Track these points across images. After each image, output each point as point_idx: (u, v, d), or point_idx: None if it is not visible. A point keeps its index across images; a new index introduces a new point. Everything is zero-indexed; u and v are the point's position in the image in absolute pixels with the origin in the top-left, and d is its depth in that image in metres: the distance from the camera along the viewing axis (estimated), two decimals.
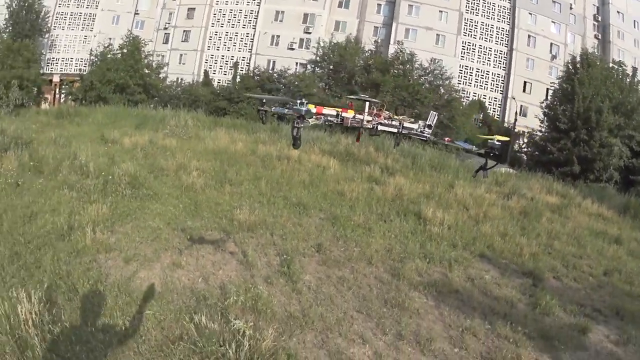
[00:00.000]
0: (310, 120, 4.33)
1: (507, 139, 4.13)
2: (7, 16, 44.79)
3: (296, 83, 37.54)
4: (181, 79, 44.86)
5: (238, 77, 42.84)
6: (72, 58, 49.92)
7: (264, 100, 5.36)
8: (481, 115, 42.54)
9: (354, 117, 4.54)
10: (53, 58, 49.90)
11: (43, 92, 41.63)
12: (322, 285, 7.01)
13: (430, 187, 12.52)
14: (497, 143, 3.84)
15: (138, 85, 36.01)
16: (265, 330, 5.39)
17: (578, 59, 31.46)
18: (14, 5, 45.48)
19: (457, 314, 6.41)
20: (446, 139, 4.53)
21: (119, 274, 6.64)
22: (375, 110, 4.61)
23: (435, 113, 4.52)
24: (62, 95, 45.09)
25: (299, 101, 4.14)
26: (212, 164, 13.01)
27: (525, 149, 35.58)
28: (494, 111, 46.43)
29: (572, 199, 14.79)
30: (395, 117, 4.58)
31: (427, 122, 4.46)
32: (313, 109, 4.56)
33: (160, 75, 41.39)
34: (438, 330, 6.05)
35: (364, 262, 7.86)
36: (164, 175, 11.73)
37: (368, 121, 4.53)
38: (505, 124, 41.56)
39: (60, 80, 46.86)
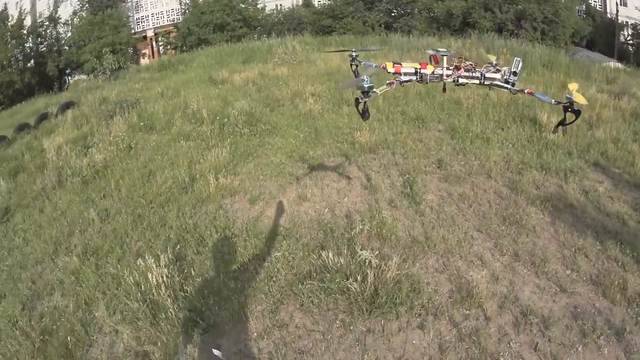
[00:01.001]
0: (378, 90, 4.22)
1: (584, 101, 3.83)
2: None
3: None
4: (280, 5, 43.57)
5: None
6: (162, 12, 48.33)
7: (355, 54, 5.35)
8: (584, 6, 38.89)
9: (432, 72, 4.44)
10: (142, 17, 48.55)
11: (139, 50, 42.30)
12: (444, 204, 7.27)
13: (544, 87, 12.08)
14: (574, 98, 3.66)
15: (237, 20, 35.91)
16: (389, 259, 5.70)
17: None
18: None
19: (571, 231, 6.50)
20: (526, 90, 4.28)
21: (246, 217, 7.12)
22: (455, 62, 4.44)
23: (519, 59, 4.26)
24: (160, 47, 45.15)
25: (362, 78, 4.03)
26: (327, 86, 13.02)
27: (631, 41, 32.63)
28: (594, 1, 42.22)
29: None
30: (477, 68, 4.37)
31: (512, 69, 4.24)
32: (391, 68, 4.56)
33: (258, 6, 40.53)
34: (552, 250, 6.21)
35: (484, 176, 8.00)
36: (280, 106, 11.98)
37: (448, 75, 4.41)
38: (608, 15, 37.84)
39: (155, 34, 46.36)
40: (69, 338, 5.33)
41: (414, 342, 5.02)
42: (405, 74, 4.50)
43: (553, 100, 4.01)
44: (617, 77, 14.60)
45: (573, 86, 3.86)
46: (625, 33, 33.95)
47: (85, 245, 7.01)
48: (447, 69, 4.40)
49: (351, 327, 5.18)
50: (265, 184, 8.04)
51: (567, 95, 3.68)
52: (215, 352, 4.98)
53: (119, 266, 6.25)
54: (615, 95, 12.09)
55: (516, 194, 7.40)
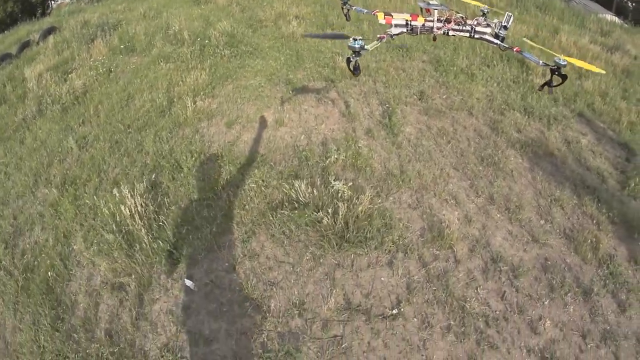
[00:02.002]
0: (369, 46, 4.00)
1: (574, 61, 3.81)
2: None
3: None
4: None
5: None
6: None
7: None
8: None
9: (423, 25, 4.29)
10: None
11: None
12: (422, 138, 7.14)
13: (535, 30, 11.79)
14: (562, 62, 3.53)
15: None
16: (362, 192, 5.68)
17: None
18: None
19: (549, 180, 6.46)
20: (515, 48, 4.21)
21: (222, 141, 6.98)
22: (445, 15, 4.30)
23: (510, 14, 4.13)
24: None
25: (353, 37, 3.84)
26: (312, 8, 12.58)
27: None
28: None
29: None
30: (468, 21, 4.23)
31: (503, 23, 4.11)
32: (382, 19, 4.37)
33: None
34: (528, 197, 6.18)
35: (465, 112, 7.85)
36: (263, 27, 11.56)
37: (438, 28, 4.26)
38: None
39: None
40: (49, 274, 5.34)
41: (382, 279, 5.04)
42: (396, 25, 4.36)
43: (541, 62, 3.84)
44: (613, 31, 14.23)
45: (563, 56, 3.69)
46: None
47: (64, 175, 6.86)
48: (438, 21, 4.27)
49: (321, 260, 5.19)
50: (243, 107, 7.84)
51: (555, 59, 3.57)
52: (187, 282, 5.05)
53: (95, 197, 6.14)
54: (609, 49, 11.84)
55: (496, 135, 7.31)
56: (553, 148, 7.10)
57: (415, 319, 4.72)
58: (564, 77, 3.65)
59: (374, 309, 4.78)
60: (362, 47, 3.80)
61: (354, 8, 5.04)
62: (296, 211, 5.55)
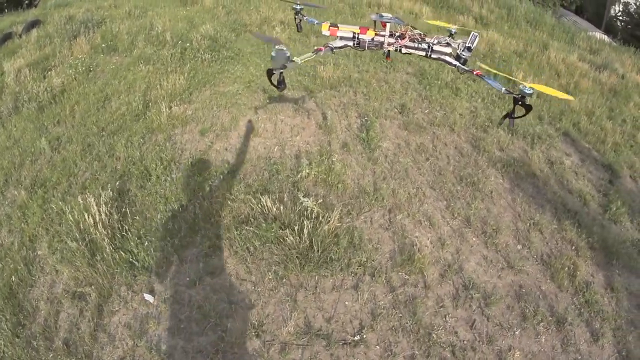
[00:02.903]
0: (299, 58, 3.65)
1: (568, 97, 3.60)
2: None
3: None
4: None
5: None
6: None
7: (300, 7, 4.86)
8: None
9: (372, 39, 4.02)
10: None
11: None
12: (400, 154, 6.94)
13: (524, 45, 11.65)
14: (527, 91, 3.20)
15: None
16: (332, 210, 5.51)
17: None
18: None
19: (530, 203, 6.29)
20: (476, 72, 3.89)
21: (194, 149, 6.80)
22: (399, 30, 3.98)
23: (476, 34, 3.79)
24: None
25: (277, 47, 3.48)
26: None
27: (621, 17, 32.20)
28: None
29: None
30: (427, 38, 3.90)
31: (467, 44, 3.77)
32: (326, 31, 4.13)
33: None
34: (506, 221, 6.00)
35: (447, 128, 7.65)
36: (247, 32, 11.32)
37: (390, 44, 3.98)
38: None
39: None
40: (12, 278, 5.19)
41: (346, 303, 4.87)
42: (342, 38, 4.10)
43: (503, 89, 3.50)
44: (602, 49, 14.21)
45: (529, 84, 3.34)
46: (616, 8, 33.59)
47: (35, 177, 6.69)
48: (391, 36, 3.98)
49: (284, 280, 5.02)
50: (218, 114, 7.62)
51: (521, 87, 3.25)
52: (147, 296, 4.91)
53: (61, 202, 5.96)
54: (597, 67, 11.72)
55: (478, 153, 7.13)
56: (536, 168, 6.94)
57: (377, 347, 4.53)
58: (529, 108, 3.34)
59: (335, 334, 4.60)
60: (287, 59, 3.48)
61: (305, 18, 4.81)
62: (263, 226, 5.36)
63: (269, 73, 3.57)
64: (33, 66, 9.90)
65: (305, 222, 5.16)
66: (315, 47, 3.94)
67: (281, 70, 3.54)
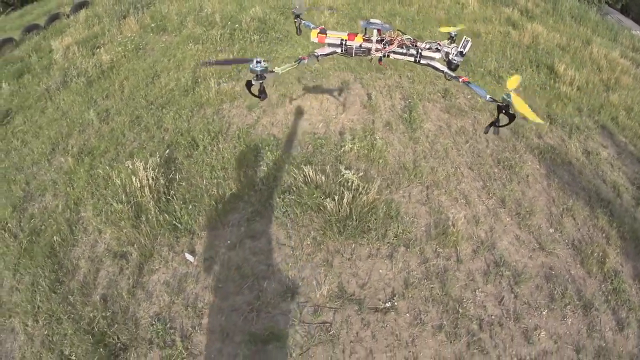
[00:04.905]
0: (280, 68, 3.68)
1: (537, 120, 3.15)
2: None
3: None
4: None
5: None
6: None
7: (298, 12, 4.87)
8: None
9: (359, 46, 3.96)
10: None
11: None
12: (441, 135, 6.98)
13: (568, 39, 11.42)
14: (510, 99, 3.09)
15: None
16: (371, 183, 5.55)
17: None
18: None
19: (564, 189, 6.24)
20: (462, 78, 3.82)
21: (241, 123, 6.92)
22: (387, 36, 3.91)
23: (469, 39, 3.64)
24: None
25: (256, 59, 3.46)
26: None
27: None
28: None
29: None
30: (418, 43, 3.85)
31: (459, 49, 3.66)
32: (314, 37, 4.12)
33: None
34: (540, 204, 5.97)
35: (487, 113, 7.61)
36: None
37: (377, 50, 3.90)
38: None
39: None
40: (54, 238, 5.34)
41: (380, 270, 4.94)
42: (330, 44, 4.08)
43: (488, 96, 3.42)
44: None
45: (513, 83, 3.31)
46: None
47: (82, 145, 6.88)
48: (379, 42, 3.91)
49: (321, 246, 5.10)
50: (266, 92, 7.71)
51: (504, 95, 3.15)
52: (188, 256, 5.05)
53: (107, 167, 6.17)
54: (638, 65, 11.42)
55: (516, 139, 7.12)
56: (572, 157, 6.88)
57: (407, 315, 4.59)
58: (512, 117, 3.22)
59: (367, 300, 4.68)
60: (264, 70, 3.46)
61: (303, 22, 4.84)
62: (305, 194, 5.49)
63: (249, 84, 3.52)
64: (81, 44, 10.13)
65: (345, 192, 5.25)
66: (300, 56, 3.91)
67: (260, 81, 3.51)
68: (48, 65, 9.70)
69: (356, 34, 3.98)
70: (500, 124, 3.34)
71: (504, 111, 3.21)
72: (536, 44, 10.61)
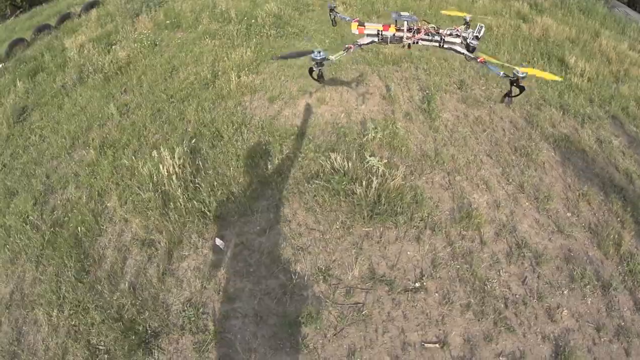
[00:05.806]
0: (333, 56, 4.23)
1: (557, 78, 4.02)
2: None
3: None
4: None
5: None
6: None
7: (333, 5, 5.41)
8: None
9: (393, 35, 4.51)
10: None
11: None
12: (459, 125, 7.13)
13: (577, 32, 11.51)
14: (521, 74, 3.75)
15: None
16: (396, 169, 5.72)
17: None
18: None
19: (579, 175, 6.36)
20: (480, 59, 4.39)
21: (264, 114, 7.06)
22: (415, 26, 4.52)
23: (482, 25, 4.34)
24: None
25: (316, 50, 4.07)
26: None
27: None
28: None
29: None
30: (440, 30, 4.48)
31: (475, 34, 4.35)
32: (355, 29, 4.63)
33: None
34: (557, 189, 6.10)
35: (503, 103, 7.57)
36: (310, 10, 11.56)
37: (408, 38, 4.48)
38: None
39: None
40: (79, 228, 5.41)
41: (408, 252, 5.07)
42: (368, 35, 4.59)
43: (502, 72, 4.11)
44: None
45: (521, 69, 3.90)
46: None
47: (104, 138, 6.95)
48: (408, 31, 4.50)
49: (350, 230, 5.23)
50: (286, 85, 7.91)
51: (514, 71, 3.79)
52: (218, 241, 5.13)
53: (133, 158, 6.24)
54: None
55: (531, 128, 7.24)
56: (585, 145, 6.98)
57: (436, 294, 4.72)
58: (522, 88, 3.85)
59: (397, 280, 4.81)
60: (324, 58, 3.99)
61: (339, 15, 5.31)
62: (333, 179, 5.64)
63: (311, 70, 4.10)
64: (96, 42, 10.23)
65: (373, 178, 5.40)
66: (346, 45, 4.38)
67: (319, 68, 4.06)
68: (62, 63, 9.79)
69: (389, 25, 4.48)
70: (512, 95, 4.01)
71: (515, 84, 3.88)
72: (546, 37, 10.71)
